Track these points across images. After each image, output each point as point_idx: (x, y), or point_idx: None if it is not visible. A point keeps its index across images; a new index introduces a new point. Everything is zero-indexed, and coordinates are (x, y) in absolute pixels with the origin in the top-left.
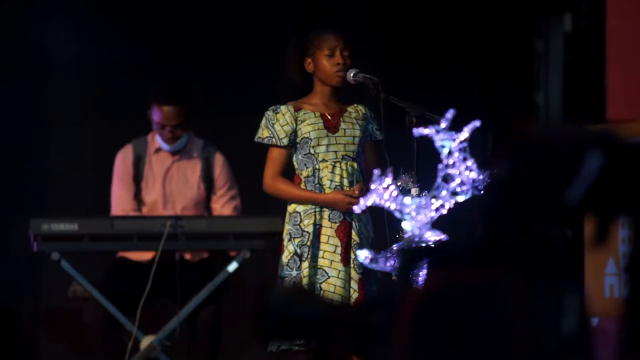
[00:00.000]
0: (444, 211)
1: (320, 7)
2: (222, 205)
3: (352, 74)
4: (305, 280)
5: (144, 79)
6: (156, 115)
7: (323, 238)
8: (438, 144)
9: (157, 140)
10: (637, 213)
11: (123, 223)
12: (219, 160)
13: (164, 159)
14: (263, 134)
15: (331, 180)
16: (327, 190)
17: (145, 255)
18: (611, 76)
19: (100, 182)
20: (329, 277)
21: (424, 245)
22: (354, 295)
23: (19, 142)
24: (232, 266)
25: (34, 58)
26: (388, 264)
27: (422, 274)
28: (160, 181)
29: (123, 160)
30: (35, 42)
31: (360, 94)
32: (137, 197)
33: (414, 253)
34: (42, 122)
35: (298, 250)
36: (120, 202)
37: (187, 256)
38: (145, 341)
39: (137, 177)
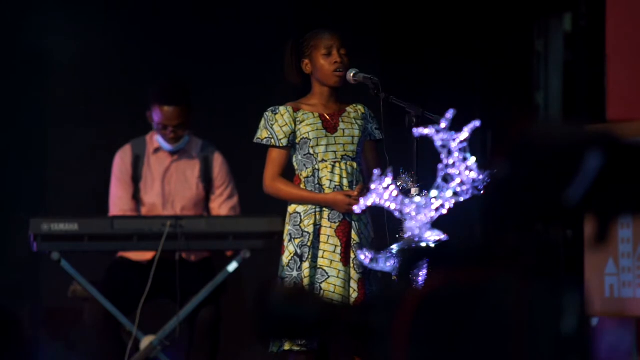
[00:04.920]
0: (444, 211)
1: (320, 7)
2: (220, 204)
3: (352, 74)
4: (306, 281)
5: (143, 79)
6: (157, 115)
7: (323, 238)
8: (438, 144)
9: (156, 141)
10: (637, 212)
11: (123, 223)
12: (217, 160)
13: (163, 159)
14: (262, 134)
15: (331, 180)
16: (327, 191)
17: (145, 255)
18: (611, 76)
19: (100, 182)
20: (328, 276)
21: (424, 245)
22: (354, 295)
23: (19, 142)
24: (232, 266)
25: (34, 58)
26: (388, 264)
27: (422, 274)
28: (160, 181)
29: (121, 160)
30: (35, 42)
31: (360, 94)
32: (136, 197)
33: (414, 253)
34: (42, 122)
35: (298, 251)
36: (118, 202)
37: (187, 256)
38: (145, 341)
39: (136, 177)
